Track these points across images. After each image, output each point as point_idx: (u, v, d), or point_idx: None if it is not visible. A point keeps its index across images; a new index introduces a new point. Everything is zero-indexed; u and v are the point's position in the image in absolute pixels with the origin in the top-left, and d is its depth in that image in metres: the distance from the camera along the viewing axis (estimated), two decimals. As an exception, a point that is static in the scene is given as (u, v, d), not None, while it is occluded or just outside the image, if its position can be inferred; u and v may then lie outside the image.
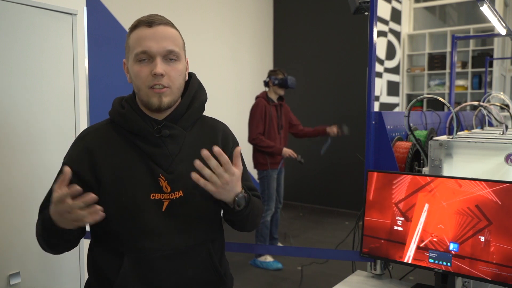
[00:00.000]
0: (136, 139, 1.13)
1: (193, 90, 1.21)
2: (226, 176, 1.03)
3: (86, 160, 1.11)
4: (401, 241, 1.38)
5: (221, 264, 1.24)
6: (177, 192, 1.13)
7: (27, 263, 1.69)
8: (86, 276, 1.94)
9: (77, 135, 1.87)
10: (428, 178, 1.35)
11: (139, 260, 1.11)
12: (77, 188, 0.92)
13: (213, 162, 1.01)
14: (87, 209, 0.94)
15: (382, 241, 1.42)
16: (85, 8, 2.02)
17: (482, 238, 1.25)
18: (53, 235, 1.05)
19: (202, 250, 1.17)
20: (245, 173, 1.29)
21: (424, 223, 1.34)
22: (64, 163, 1.15)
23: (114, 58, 3.70)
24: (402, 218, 1.38)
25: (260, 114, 3.71)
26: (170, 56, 1.11)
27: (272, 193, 3.78)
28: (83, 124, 1.96)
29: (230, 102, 5.22)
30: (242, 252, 3.35)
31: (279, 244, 4.09)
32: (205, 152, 1.00)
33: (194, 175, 1.02)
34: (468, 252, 1.27)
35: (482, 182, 1.26)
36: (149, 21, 1.11)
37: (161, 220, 1.12)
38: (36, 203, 1.71)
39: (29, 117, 1.69)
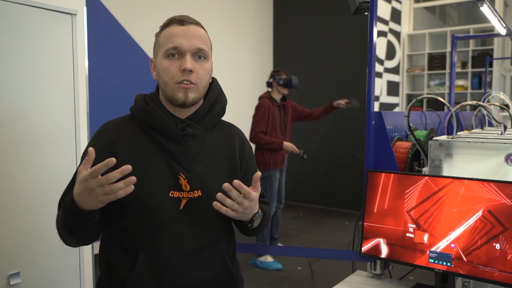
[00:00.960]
0: (158, 136, 1.14)
1: (215, 93, 1.25)
2: (247, 202, 1.07)
3: (107, 154, 1.11)
4: (411, 247, 1.36)
5: (232, 265, 1.25)
6: (196, 191, 1.15)
7: (27, 263, 1.69)
8: (86, 276, 1.95)
9: (77, 135, 1.88)
10: (441, 182, 1.33)
11: (154, 258, 1.11)
12: (113, 160, 0.92)
13: (234, 193, 1.05)
14: (123, 181, 0.94)
15: (392, 246, 1.41)
16: (85, 8, 2.02)
17: (497, 246, 1.20)
18: (75, 220, 1.03)
19: (216, 250, 1.18)
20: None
21: (434, 230, 1.32)
22: (84, 156, 1.14)
23: (114, 58, 3.70)
24: (413, 225, 1.36)
25: (262, 113, 3.70)
26: (199, 54, 1.14)
27: (274, 193, 3.78)
28: (83, 124, 1.96)
29: (230, 102, 5.17)
30: (243, 252, 3.35)
31: (279, 244, 4.09)
32: (225, 185, 1.03)
33: (216, 204, 1.05)
34: (483, 260, 1.23)
35: (493, 185, 1.22)
36: (181, 20, 1.14)
37: (178, 218, 1.13)
38: (36, 203, 1.72)
39: (29, 117, 1.69)
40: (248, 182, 1.25)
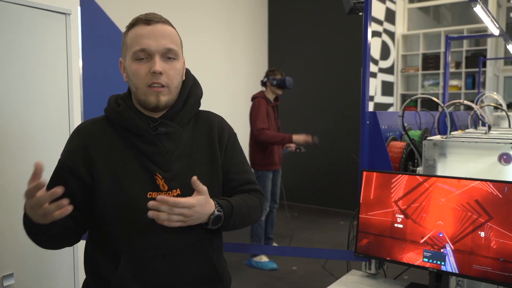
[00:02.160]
0: (132, 137, 1.12)
1: (188, 86, 1.21)
2: (185, 211, 1.01)
3: (81, 155, 1.11)
4: (401, 238, 1.37)
5: (219, 263, 1.23)
6: (175, 191, 1.13)
7: (20, 265, 1.68)
8: (80, 277, 1.94)
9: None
10: (426, 178, 1.36)
11: (136, 259, 1.10)
12: (42, 182, 0.90)
13: (164, 208, 0.99)
14: (55, 204, 0.93)
15: (379, 237, 1.42)
16: (79, 8, 2.01)
17: (482, 234, 1.24)
18: (35, 230, 1.04)
19: (200, 249, 1.17)
20: (243, 166, 1.28)
21: (423, 220, 1.34)
22: (59, 160, 1.15)
23: (109, 58, 3.68)
24: (401, 216, 1.38)
25: (262, 110, 3.67)
26: (169, 55, 1.11)
27: (267, 193, 3.78)
28: (77, 124, 1.95)
29: (225, 102, 5.21)
30: (237, 252, 3.35)
31: (275, 244, 4.09)
32: (150, 203, 0.98)
33: (158, 219, 1.00)
34: (468, 247, 1.26)
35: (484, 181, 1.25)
36: (147, 19, 1.10)
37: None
38: (29, 204, 1.71)
39: (23, 116, 1.68)
40: (232, 169, 1.22)
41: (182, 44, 1.18)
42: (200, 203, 1.04)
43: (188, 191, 1.11)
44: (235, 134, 1.30)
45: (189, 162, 1.16)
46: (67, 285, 1.87)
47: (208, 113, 1.28)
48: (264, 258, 3.76)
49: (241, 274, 3.56)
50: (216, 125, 1.24)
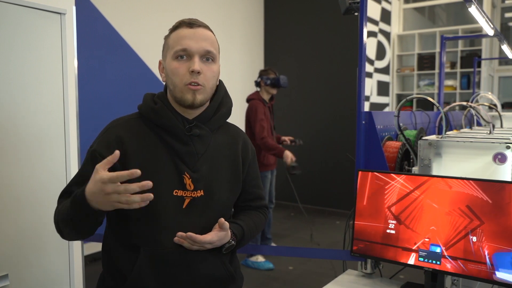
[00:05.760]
0: (165, 135, 1.17)
1: (221, 95, 1.28)
2: (208, 245, 1.14)
3: (116, 148, 1.12)
4: (393, 244, 1.38)
5: (232, 263, 1.28)
6: (199, 191, 1.18)
7: (15, 265, 1.67)
8: (75, 278, 1.93)
9: (66, 136, 1.86)
10: (421, 179, 1.36)
11: (154, 254, 1.14)
12: (138, 171, 0.94)
13: (186, 245, 1.12)
14: (141, 195, 0.96)
15: (374, 244, 1.42)
16: (74, 8, 2.00)
17: (474, 239, 1.25)
18: (83, 217, 1.04)
19: (216, 249, 1.20)
20: (258, 181, 1.38)
21: (416, 226, 1.34)
22: (93, 149, 1.16)
23: (104, 57, 3.67)
24: (394, 221, 1.38)
25: (261, 115, 3.65)
26: (207, 56, 1.17)
27: (265, 194, 3.78)
28: (73, 125, 1.94)
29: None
30: (234, 252, 3.35)
31: (273, 244, 4.08)
32: (178, 236, 1.11)
33: (178, 240, 1.12)
34: (461, 253, 1.26)
35: (472, 181, 1.27)
36: (190, 23, 1.17)
37: (180, 217, 1.15)
38: (23, 204, 1.70)
39: (17, 117, 1.67)
40: (249, 183, 1.32)
41: (219, 50, 1.24)
42: (220, 239, 1.16)
43: (210, 193, 1.19)
44: (254, 151, 1.38)
45: (214, 165, 1.21)
46: (63, 286, 1.86)
47: (235, 127, 1.36)
48: (260, 258, 3.76)
49: (237, 274, 3.55)
50: (241, 139, 1.32)
